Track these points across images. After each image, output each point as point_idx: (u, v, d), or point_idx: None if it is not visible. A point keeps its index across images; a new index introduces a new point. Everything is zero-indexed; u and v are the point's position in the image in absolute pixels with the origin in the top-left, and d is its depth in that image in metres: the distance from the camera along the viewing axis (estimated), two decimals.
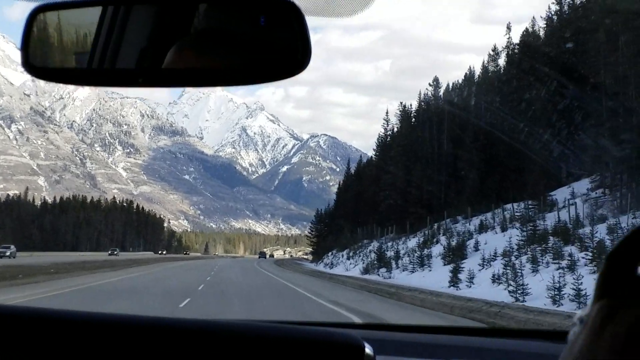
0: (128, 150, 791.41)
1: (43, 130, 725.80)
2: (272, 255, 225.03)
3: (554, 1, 56.19)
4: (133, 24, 1.50)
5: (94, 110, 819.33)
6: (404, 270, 45.13)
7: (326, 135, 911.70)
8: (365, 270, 50.52)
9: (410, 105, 76.69)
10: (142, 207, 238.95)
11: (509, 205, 50.61)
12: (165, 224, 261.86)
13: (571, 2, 55.21)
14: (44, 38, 1.52)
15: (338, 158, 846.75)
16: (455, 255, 41.53)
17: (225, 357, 1.47)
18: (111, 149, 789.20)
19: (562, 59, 49.20)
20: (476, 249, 41.23)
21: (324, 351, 1.47)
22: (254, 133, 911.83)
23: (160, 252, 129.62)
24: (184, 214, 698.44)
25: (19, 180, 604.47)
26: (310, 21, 1.39)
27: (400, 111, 75.46)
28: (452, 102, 65.65)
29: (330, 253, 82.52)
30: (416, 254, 47.05)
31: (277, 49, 1.41)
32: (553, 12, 56.57)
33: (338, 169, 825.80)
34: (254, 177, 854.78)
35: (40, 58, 1.52)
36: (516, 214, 46.95)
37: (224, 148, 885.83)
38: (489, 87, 63.27)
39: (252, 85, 1.46)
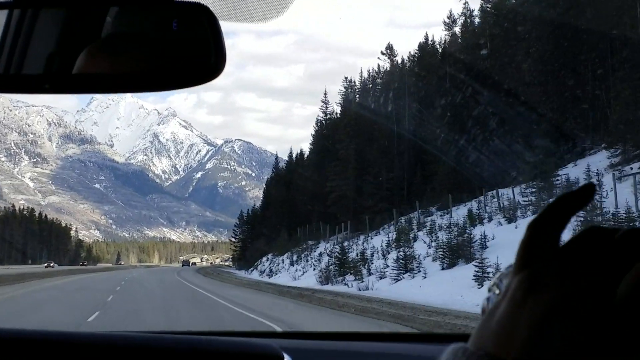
0: (35, 160, 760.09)
1: None
2: (194, 264, 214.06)
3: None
4: (42, 27, 1.43)
5: None
6: (381, 278, 33.32)
7: (241, 140, 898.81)
8: (326, 279, 38.46)
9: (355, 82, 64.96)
10: (46, 216, 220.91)
11: (505, 191, 39.65)
12: (73, 233, 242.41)
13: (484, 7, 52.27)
14: None
15: (253, 163, 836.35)
16: (459, 255, 30.22)
17: None
18: (17, 159, 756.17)
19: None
20: (483, 245, 29.89)
21: None
22: (167, 139, 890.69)
23: (48, 264, 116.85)
24: (95, 224, 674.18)
25: None
26: (224, 26, 1.35)
27: (345, 88, 63.68)
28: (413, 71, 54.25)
29: (265, 258, 70.09)
30: (391, 256, 35.63)
31: (190, 54, 1.38)
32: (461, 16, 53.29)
33: (254, 174, 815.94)
34: (167, 184, 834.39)
35: None
36: (522, 199, 35.93)
37: (136, 155, 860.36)
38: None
39: (165, 91, 1.45)
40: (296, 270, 48.88)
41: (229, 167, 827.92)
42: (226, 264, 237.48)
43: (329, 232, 53.98)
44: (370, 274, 35.23)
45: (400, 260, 32.53)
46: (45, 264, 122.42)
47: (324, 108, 69.18)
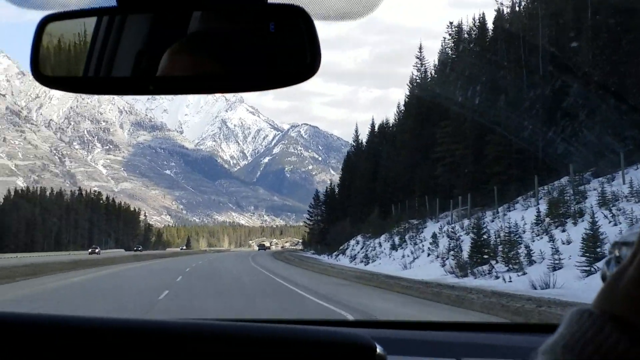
0: (107, 147, 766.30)
1: (20, 130, 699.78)
2: (268, 247, 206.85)
3: None
4: (144, 31, 1.46)
5: (71, 108, 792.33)
6: (555, 268, 22.12)
7: (307, 124, 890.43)
8: (461, 270, 27.42)
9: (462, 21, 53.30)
10: (113, 199, 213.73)
11: None
12: (142, 218, 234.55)
13: None
14: (52, 47, 1.49)
15: (320, 147, 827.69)
16: None
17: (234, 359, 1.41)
18: (90, 147, 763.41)
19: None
20: None
21: (334, 352, 1.41)
22: (234, 125, 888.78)
23: (92, 250, 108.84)
24: (166, 209, 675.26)
25: None
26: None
27: (453, 31, 51.90)
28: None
29: (353, 241, 59.20)
30: (560, 237, 24.54)
31: (286, 55, 1.40)
32: None
33: (320, 158, 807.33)
34: (235, 169, 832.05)
35: (49, 67, 1.49)
36: None
37: (205, 141, 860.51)
38: None
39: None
40: (403, 257, 37.97)
41: (295, 151, 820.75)
42: (297, 247, 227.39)
43: (438, 208, 42.92)
44: (531, 262, 24.08)
45: (588, 243, 21.25)
46: (90, 250, 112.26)
47: (418, 65, 57.87)
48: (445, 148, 43.06)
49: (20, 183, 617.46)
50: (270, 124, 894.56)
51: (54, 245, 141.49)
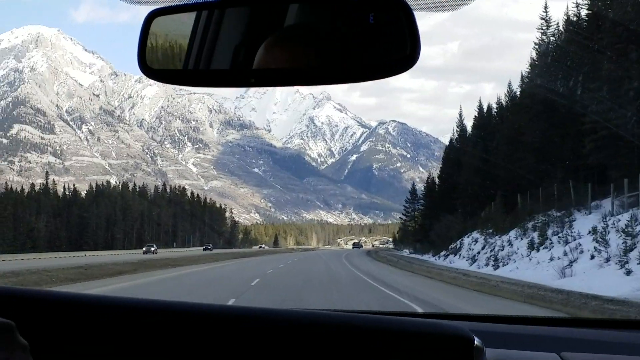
0: (197, 146, 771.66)
1: (113, 129, 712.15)
2: (357, 245, 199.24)
3: None
4: (243, 24, 1.49)
5: (162, 107, 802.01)
6: None
7: (395, 121, 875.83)
8: None
9: None
10: (198, 195, 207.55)
11: None
12: (228, 214, 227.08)
13: None
14: (158, 42, 1.54)
15: (408, 144, 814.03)
16: None
17: (335, 349, 1.42)
18: (181, 145, 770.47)
19: None
20: None
21: (432, 343, 1.41)
22: (322, 123, 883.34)
23: (147, 249, 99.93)
24: (255, 207, 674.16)
25: (92, 181, 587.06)
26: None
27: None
28: None
29: (469, 238, 49.28)
30: None
31: (386, 46, 1.40)
32: None
33: (409, 155, 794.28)
34: (323, 167, 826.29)
35: (156, 61, 1.54)
36: None
37: (292, 139, 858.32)
38: None
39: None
40: (551, 259, 28.29)
41: (383, 149, 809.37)
42: (388, 246, 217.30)
43: (590, 196, 33.01)
44: None
45: None
46: (144, 248, 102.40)
47: (543, 27, 47.53)
48: (598, 118, 32.71)
49: (113, 181, 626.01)
50: (357, 121, 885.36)
51: (136, 242, 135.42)
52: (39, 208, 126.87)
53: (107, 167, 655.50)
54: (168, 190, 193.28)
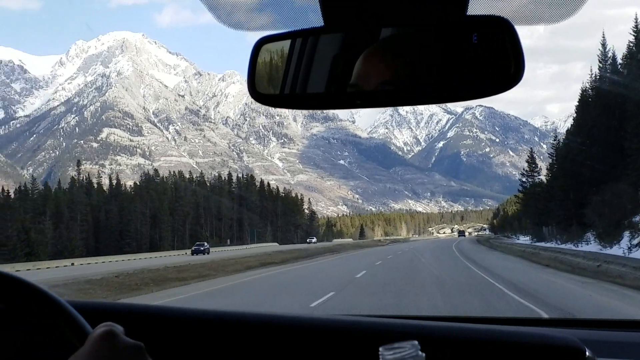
0: (282, 141, 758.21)
1: (199, 128, 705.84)
2: (462, 233, 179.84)
3: None
4: (349, 47, 1.47)
5: (246, 104, 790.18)
6: None
7: (482, 106, 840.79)
8: None
9: None
10: (269, 184, 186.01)
11: None
12: (306, 206, 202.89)
13: None
14: (266, 67, 1.55)
15: (496, 128, 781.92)
16: None
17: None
18: (266, 141, 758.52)
19: None
20: None
21: (541, 356, 1.32)
22: (406, 112, 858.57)
23: (197, 248, 77.66)
24: (342, 200, 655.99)
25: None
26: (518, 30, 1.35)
27: None
28: None
29: None
30: None
31: (489, 65, 1.37)
32: None
33: (497, 140, 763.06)
34: (409, 156, 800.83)
35: (265, 86, 1.55)
36: None
37: (377, 129, 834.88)
38: None
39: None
40: None
41: (471, 134, 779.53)
42: (485, 233, 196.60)
43: None
44: None
45: None
46: (193, 248, 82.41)
47: None
48: None
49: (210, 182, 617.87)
50: (443, 108, 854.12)
51: (190, 240, 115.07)
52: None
53: (194, 165, 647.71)
54: (235, 179, 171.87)
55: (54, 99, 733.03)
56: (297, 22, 1.54)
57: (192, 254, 75.55)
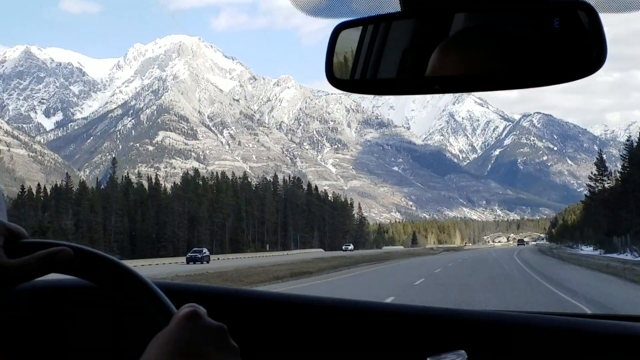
0: (336, 146, 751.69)
1: (253, 133, 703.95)
2: (522, 242, 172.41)
3: None
4: (425, 32, 1.48)
5: (300, 109, 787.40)
6: None
7: (540, 113, 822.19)
8: None
9: None
10: (316, 187, 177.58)
11: None
12: (356, 211, 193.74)
13: None
14: (343, 53, 1.55)
15: (555, 136, 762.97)
16: None
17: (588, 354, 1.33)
18: (319, 146, 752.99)
19: None
20: None
21: None
22: (462, 118, 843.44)
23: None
24: (395, 206, 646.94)
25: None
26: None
27: None
28: None
29: None
30: None
31: (571, 50, 1.35)
32: None
33: (555, 148, 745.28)
34: (465, 163, 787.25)
35: (342, 71, 1.55)
36: None
37: (432, 136, 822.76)
38: None
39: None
40: None
41: (528, 142, 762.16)
42: (542, 243, 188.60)
43: None
44: None
45: None
46: (188, 255, 73.01)
47: None
48: None
49: (254, 184, 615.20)
50: (500, 115, 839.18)
51: (229, 244, 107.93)
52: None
53: (248, 170, 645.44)
54: (281, 181, 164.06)
55: (111, 101, 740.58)
56: (375, 8, 1.55)
57: (187, 263, 66.90)
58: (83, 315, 1.43)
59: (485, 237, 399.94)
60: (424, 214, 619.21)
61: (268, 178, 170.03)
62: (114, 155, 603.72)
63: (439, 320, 1.44)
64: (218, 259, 74.45)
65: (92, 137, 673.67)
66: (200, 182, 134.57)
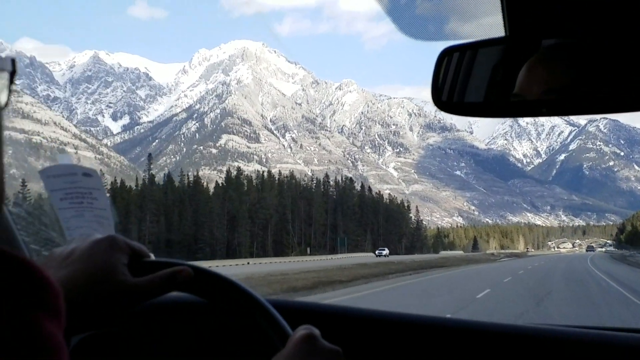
0: (397, 150, 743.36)
1: (315, 136, 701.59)
2: (592, 248, 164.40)
3: None
4: (528, 56, 1.45)
5: (362, 113, 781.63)
6: None
7: (606, 118, 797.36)
8: None
9: None
10: (362, 185, 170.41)
11: None
12: (413, 214, 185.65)
13: None
14: (450, 76, 1.55)
15: (621, 141, 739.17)
16: None
17: None
18: (381, 150, 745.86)
19: None
20: None
21: None
22: (527, 123, 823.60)
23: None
24: (458, 211, 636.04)
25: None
26: None
27: None
28: None
29: None
30: None
31: None
32: None
33: (622, 153, 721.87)
34: (529, 168, 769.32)
35: (446, 93, 1.55)
36: None
37: (496, 140, 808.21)
38: None
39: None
40: None
41: (594, 147, 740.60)
42: (610, 249, 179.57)
43: None
44: None
45: None
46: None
47: None
48: None
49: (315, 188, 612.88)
50: (565, 120, 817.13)
51: (275, 248, 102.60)
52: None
53: (309, 173, 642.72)
54: (333, 181, 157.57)
55: (176, 105, 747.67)
56: (479, 32, 1.57)
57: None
58: (196, 332, 1.41)
59: (549, 242, 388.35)
60: (487, 219, 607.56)
61: (317, 178, 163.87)
62: (178, 158, 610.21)
63: (552, 341, 1.33)
64: (248, 263, 68.87)
65: (157, 140, 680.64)
66: (245, 181, 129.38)
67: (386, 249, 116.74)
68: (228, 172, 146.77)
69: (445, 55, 1.55)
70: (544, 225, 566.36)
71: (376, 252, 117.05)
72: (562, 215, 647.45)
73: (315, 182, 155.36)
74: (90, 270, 1.00)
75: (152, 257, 1.10)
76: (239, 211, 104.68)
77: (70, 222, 1.26)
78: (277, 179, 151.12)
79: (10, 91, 0.75)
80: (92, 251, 1.06)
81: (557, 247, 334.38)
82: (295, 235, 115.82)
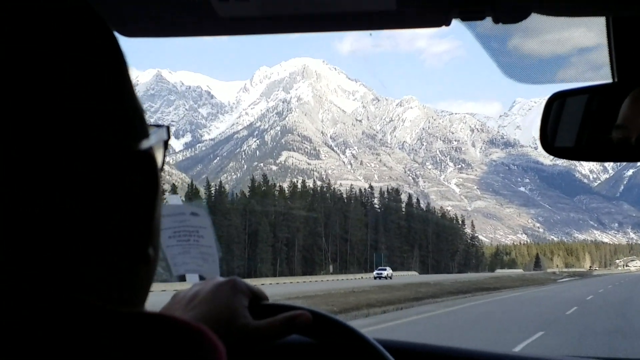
0: (459, 166, 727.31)
1: (375, 153, 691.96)
2: None
3: None
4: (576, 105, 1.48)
5: (423, 129, 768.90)
6: None
7: None
8: None
9: None
10: (417, 200, 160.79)
11: None
12: (468, 230, 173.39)
13: None
14: (557, 120, 1.55)
15: None
16: None
17: None
18: (442, 166, 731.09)
19: None
20: None
21: None
22: None
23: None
24: (522, 228, 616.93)
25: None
26: None
27: None
28: None
29: None
30: None
31: None
32: None
33: None
34: (595, 184, 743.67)
35: (556, 138, 1.55)
36: None
37: None
38: None
39: None
40: None
41: None
42: None
43: None
44: None
45: None
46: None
47: None
48: None
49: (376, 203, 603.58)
50: None
51: (305, 265, 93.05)
52: None
53: (369, 189, 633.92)
54: (378, 193, 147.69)
55: (237, 123, 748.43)
56: (585, 76, 1.64)
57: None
58: None
59: (617, 260, 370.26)
60: (552, 237, 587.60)
61: (356, 190, 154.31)
62: (239, 175, 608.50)
63: None
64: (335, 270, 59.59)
65: (218, 158, 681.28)
66: (277, 191, 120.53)
67: (388, 268, 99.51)
68: (252, 180, 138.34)
69: (554, 100, 1.56)
70: (611, 242, 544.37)
71: (374, 272, 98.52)
72: (631, 233, 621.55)
73: (353, 193, 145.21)
74: (215, 313, 1.02)
75: (269, 300, 1.15)
76: (260, 224, 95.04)
77: (176, 258, 1.34)
78: (308, 188, 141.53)
79: (164, 156, 0.78)
80: (215, 294, 1.15)
81: (627, 265, 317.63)
82: (329, 251, 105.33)
